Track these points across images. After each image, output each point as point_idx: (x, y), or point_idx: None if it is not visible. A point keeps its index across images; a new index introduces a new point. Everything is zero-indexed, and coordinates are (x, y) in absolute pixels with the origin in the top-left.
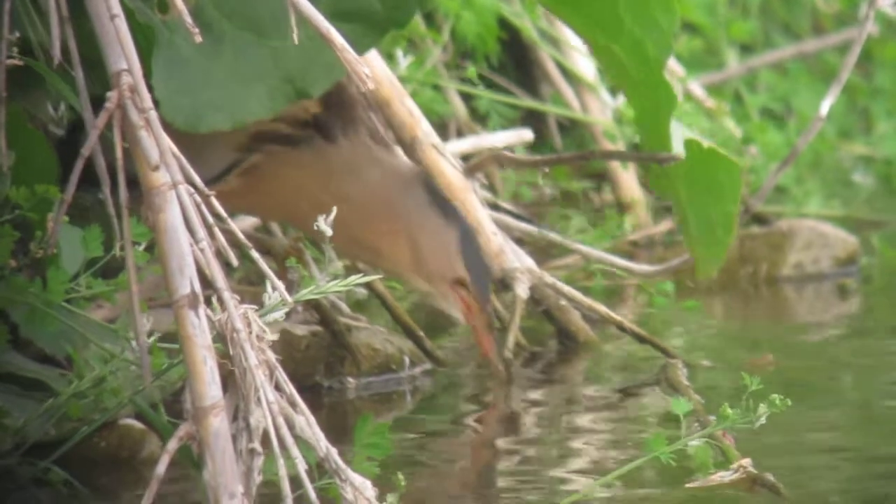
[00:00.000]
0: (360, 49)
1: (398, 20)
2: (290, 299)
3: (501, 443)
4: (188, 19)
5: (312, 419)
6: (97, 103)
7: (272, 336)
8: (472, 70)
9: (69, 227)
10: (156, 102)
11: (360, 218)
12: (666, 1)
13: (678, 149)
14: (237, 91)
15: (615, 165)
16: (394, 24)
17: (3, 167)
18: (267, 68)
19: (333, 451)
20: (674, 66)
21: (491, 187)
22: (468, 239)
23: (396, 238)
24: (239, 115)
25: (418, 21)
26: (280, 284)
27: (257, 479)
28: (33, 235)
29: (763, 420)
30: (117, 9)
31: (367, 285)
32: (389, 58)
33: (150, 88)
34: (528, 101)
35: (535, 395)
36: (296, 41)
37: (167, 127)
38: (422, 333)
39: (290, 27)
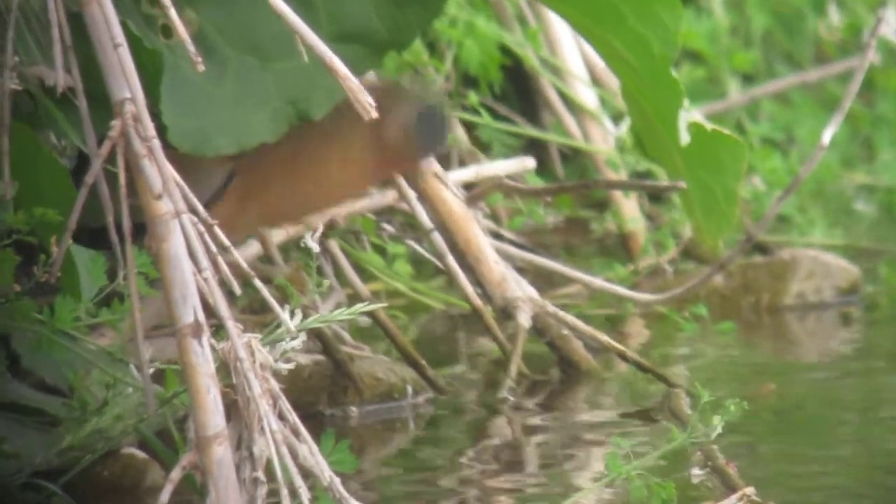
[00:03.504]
0: (360, 70)
1: (400, 42)
2: (293, 328)
3: (503, 471)
4: (191, 47)
5: (315, 448)
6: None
7: (288, 366)
8: (473, 97)
9: (81, 249)
10: (164, 127)
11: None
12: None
13: (685, 138)
14: (241, 114)
15: (617, 194)
16: (395, 46)
17: (6, 195)
18: (269, 92)
19: (337, 480)
20: None
21: (493, 216)
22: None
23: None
24: (243, 139)
25: (421, 49)
26: (284, 313)
27: None
28: (37, 260)
29: (719, 430)
30: (121, 38)
31: (370, 314)
32: None
33: (157, 115)
34: (530, 130)
35: (537, 423)
36: (304, 60)
37: (167, 151)
38: (424, 362)
39: (297, 49)
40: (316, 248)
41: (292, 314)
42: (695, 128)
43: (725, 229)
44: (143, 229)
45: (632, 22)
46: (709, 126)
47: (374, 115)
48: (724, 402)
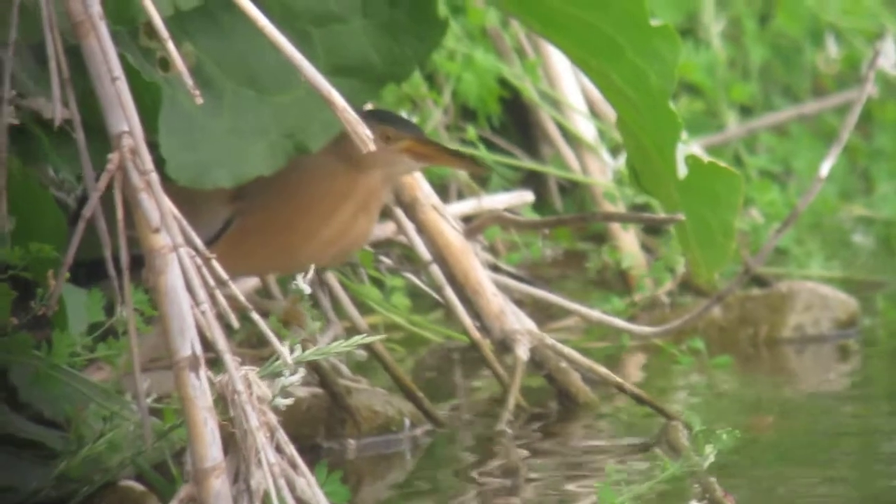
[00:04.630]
0: (358, 103)
1: (397, 75)
2: (291, 361)
3: (503, 499)
4: (188, 80)
5: (313, 480)
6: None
7: (287, 401)
8: (472, 131)
9: (72, 288)
10: (162, 160)
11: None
12: (667, 31)
13: (682, 171)
14: (238, 147)
15: (615, 227)
16: (392, 79)
17: (3, 229)
18: (267, 124)
19: None
20: None
21: (492, 249)
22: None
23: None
24: (240, 171)
25: (420, 82)
26: (282, 347)
27: None
28: (34, 294)
29: (711, 458)
30: (118, 71)
31: (367, 347)
32: None
33: (155, 147)
34: (528, 163)
35: (535, 456)
36: (303, 92)
37: (167, 185)
38: (421, 395)
39: (294, 82)
40: (307, 290)
41: (291, 349)
42: (692, 160)
43: (722, 262)
44: (140, 262)
45: (630, 55)
46: (706, 158)
47: (372, 147)
48: (720, 433)
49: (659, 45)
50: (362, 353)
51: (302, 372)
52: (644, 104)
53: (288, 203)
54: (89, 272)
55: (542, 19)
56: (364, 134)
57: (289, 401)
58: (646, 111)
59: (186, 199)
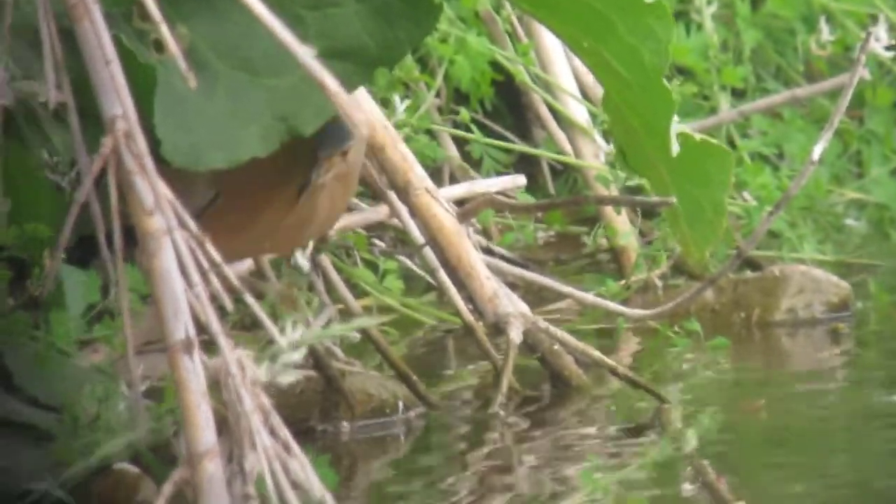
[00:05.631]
0: (350, 87)
1: (390, 59)
2: (285, 344)
3: (493, 486)
4: (183, 63)
5: (307, 463)
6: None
7: (288, 379)
8: (464, 114)
9: (70, 269)
10: (157, 142)
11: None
12: (660, 9)
13: (675, 149)
14: (233, 130)
15: (608, 210)
16: (385, 62)
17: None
18: (260, 108)
19: (328, 496)
20: None
21: (484, 232)
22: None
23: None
24: (235, 154)
25: (412, 66)
26: (275, 329)
27: None
28: (29, 274)
29: (694, 443)
30: (112, 54)
31: (361, 330)
32: (386, 103)
33: (151, 129)
34: (521, 146)
35: (528, 439)
36: (296, 75)
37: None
38: (415, 378)
39: (288, 65)
40: (306, 266)
41: (285, 329)
42: (683, 138)
43: (713, 240)
44: (134, 237)
45: (622, 32)
46: (697, 136)
47: (365, 132)
48: (712, 416)
49: (652, 23)
50: (356, 336)
51: (303, 351)
52: (637, 82)
53: (256, 190)
54: (84, 249)
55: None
56: (356, 117)
57: (290, 377)
58: (638, 90)
59: (173, 178)
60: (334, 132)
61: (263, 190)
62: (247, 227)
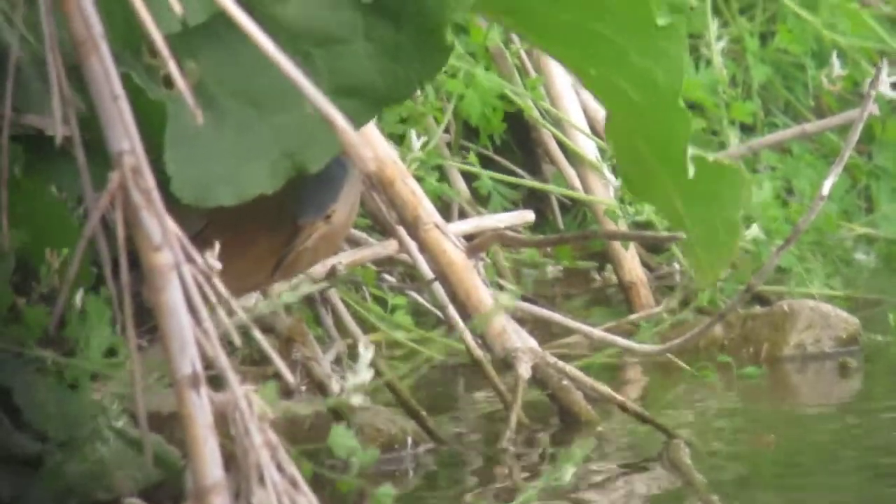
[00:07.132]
0: (358, 124)
1: (398, 97)
2: (291, 379)
3: None
4: (190, 99)
5: (315, 500)
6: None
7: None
8: (472, 156)
9: (98, 302)
10: (166, 178)
11: None
12: (671, 29)
13: (692, 171)
14: (240, 166)
15: (617, 245)
16: (393, 100)
17: (2, 246)
18: (267, 144)
19: None
20: None
21: (496, 268)
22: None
23: None
24: (243, 190)
25: (435, 101)
26: (283, 365)
27: None
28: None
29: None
30: (119, 90)
31: (371, 365)
32: (402, 139)
33: (159, 165)
34: (529, 181)
35: (537, 473)
36: (304, 113)
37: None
38: (424, 413)
39: (296, 102)
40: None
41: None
42: (695, 160)
43: (726, 261)
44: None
45: (634, 56)
46: (709, 156)
47: (373, 167)
48: (721, 451)
49: (664, 45)
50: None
51: (371, 373)
52: (650, 106)
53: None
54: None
55: (538, 30)
56: (366, 154)
57: (360, 400)
58: (651, 114)
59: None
60: (316, 195)
61: (251, 225)
62: (233, 261)
